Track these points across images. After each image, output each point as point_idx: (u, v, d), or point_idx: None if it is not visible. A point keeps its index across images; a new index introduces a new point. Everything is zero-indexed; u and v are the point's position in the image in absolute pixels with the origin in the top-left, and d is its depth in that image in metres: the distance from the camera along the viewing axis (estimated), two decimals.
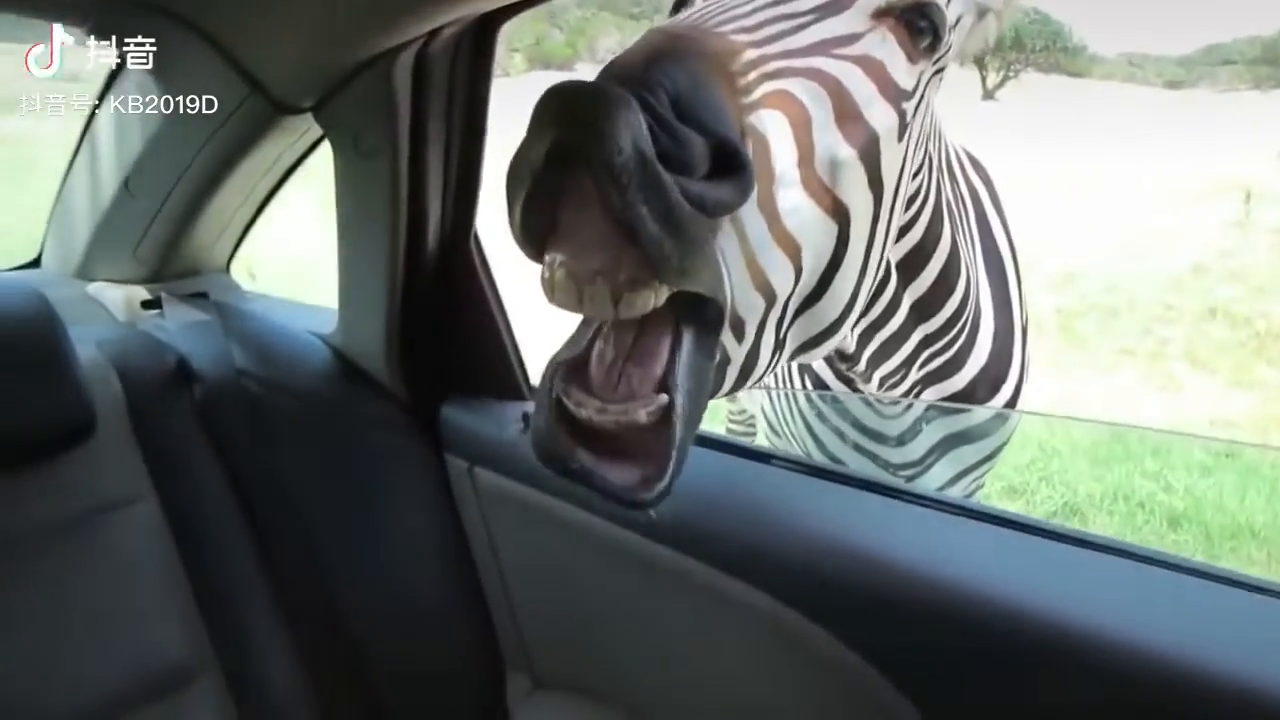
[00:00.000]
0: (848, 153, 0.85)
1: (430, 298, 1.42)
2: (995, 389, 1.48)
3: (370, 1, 1.09)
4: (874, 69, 0.88)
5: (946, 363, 1.39)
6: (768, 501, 1.11)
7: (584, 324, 0.81)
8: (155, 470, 1.31)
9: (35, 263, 1.88)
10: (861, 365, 1.34)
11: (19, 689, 1.11)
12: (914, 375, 1.37)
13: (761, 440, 2.04)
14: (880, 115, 0.89)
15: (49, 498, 1.20)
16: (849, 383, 1.46)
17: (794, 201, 0.81)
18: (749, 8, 0.85)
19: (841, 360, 1.38)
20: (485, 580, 1.51)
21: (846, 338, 1.29)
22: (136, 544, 1.26)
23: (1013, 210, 1.62)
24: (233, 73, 1.29)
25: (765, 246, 0.80)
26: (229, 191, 1.59)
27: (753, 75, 0.78)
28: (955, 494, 1.58)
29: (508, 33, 1.28)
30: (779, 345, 0.91)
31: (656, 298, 0.68)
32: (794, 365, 1.62)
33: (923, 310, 1.28)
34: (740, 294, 0.79)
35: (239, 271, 1.88)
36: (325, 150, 1.44)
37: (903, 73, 0.91)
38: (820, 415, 1.63)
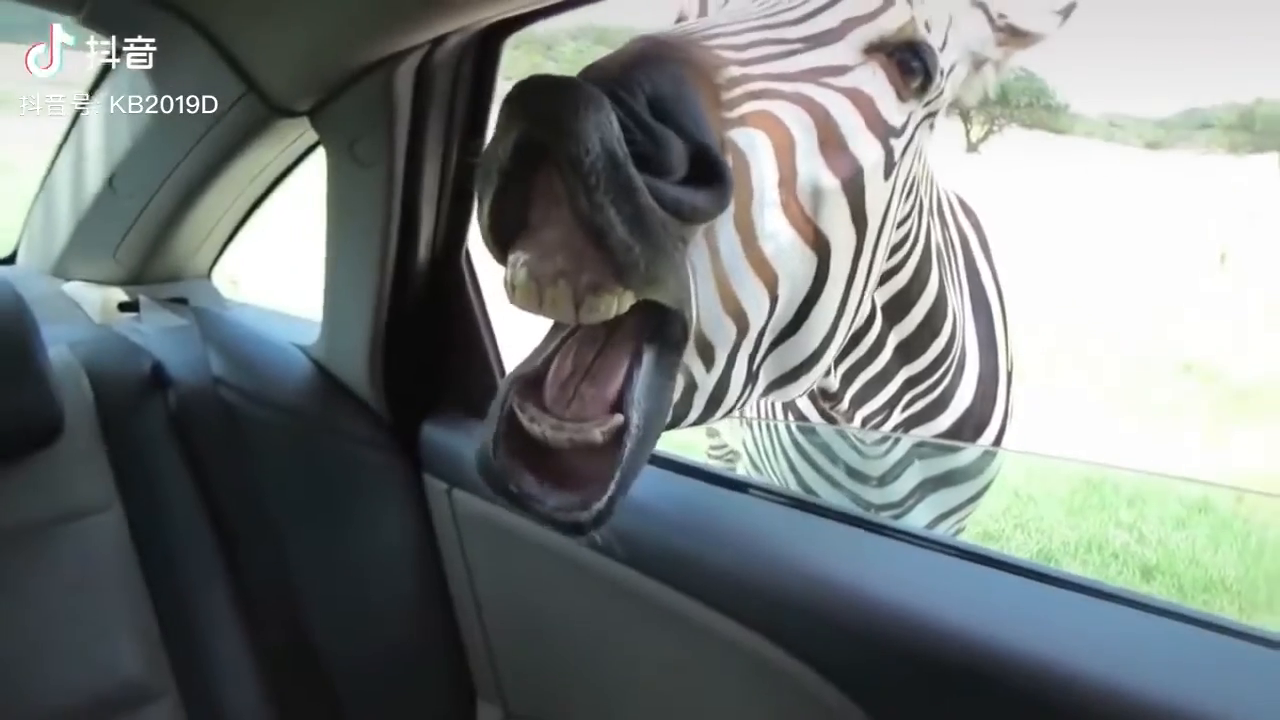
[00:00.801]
0: (831, 183, 0.85)
1: (417, 312, 1.39)
2: (979, 432, 1.48)
3: (374, 4, 1.07)
4: (863, 102, 0.88)
5: (931, 404, 1.38)
6: (749, 533, 1.08)
7: (545, 339, 0.78)
8: (123, 478, 1.27)
9: (10, 259, 1.85)
10: (845, 404, 1.33)
11: None
12: (897, 417, 1.37)
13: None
14: (867, 149, 0.88)
15: (8, 501, 1.16)
16: (832, 421, 1.46)
17: (772, 226, 0.80)
18: (738, 28, 0.84)
19: (825, 399, 1.37)
20: (459, 606, 1.47)
21: (830, 375, 1.28)
22: (99, 555, 1.22)
23: (1000, 256, 1.63)
24: (229, 71, 1.26)
25: (739, 269, 0.78)
26: (216, 195, 1.56)
27: (737, 91, 0.77)
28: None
29: (502, 64, 1.26)
30: (751, 378, 0.89)
31: (620, 304, 0.66)
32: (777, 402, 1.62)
33: (908, 352, 1.28)
34: (709, 316, 0.78)
35: (221, 279, 1.85)
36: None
37: (892, 110, 0.91)
38: (802, 452, 1.62)
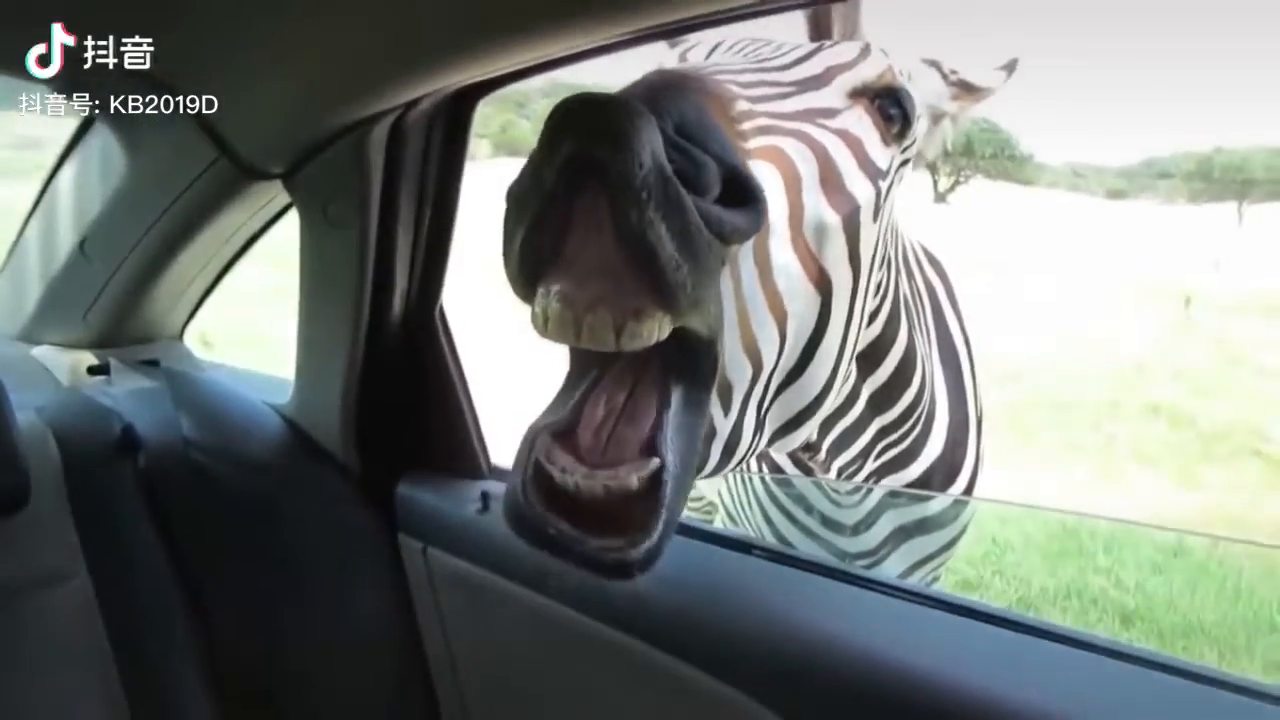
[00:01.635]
0: (833, 219, 0.87)
1: (391, 371, 1.39)
2: (951, 479, 1.49)
3: (347, 71, 1.08)
4: (853, 143, 0.91)
5: (902, 453, 1.40)
6: (736, 591, 1.07)
7: (565, 391, 0.77)
8: (90, 545, 1.25)
9: None
10: (822, 454, 1.35)
11: None
12: (871, 465, 1.38)
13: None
14: (860, 188, 0.91)
15: None
16: (809, 472, 1.46)
17: (783, 258, 0.81)
18: (739, 67, 0.88)
19: (803, 449, 1.38)
20: (435, 669, 1.44)
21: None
22: (64, 622, 1.19)
23: (966, 306, 1.66)
24: (202, 136, 1.27)
25: (756, 303, 0.79)
26: (189, 258, 1.56)
27: (747, 125, 0.79)
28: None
29: (475, 119, 1.27)
30: (759, 426, 0.90)
31: (660, 330, 0.65)
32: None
33: (880, 402, 1.30)
34: (729, 353, 0.78)
35: (193, 339, 1.84)
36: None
37: (878, 152, 0.94)
38: (776, 502, 1.62)
